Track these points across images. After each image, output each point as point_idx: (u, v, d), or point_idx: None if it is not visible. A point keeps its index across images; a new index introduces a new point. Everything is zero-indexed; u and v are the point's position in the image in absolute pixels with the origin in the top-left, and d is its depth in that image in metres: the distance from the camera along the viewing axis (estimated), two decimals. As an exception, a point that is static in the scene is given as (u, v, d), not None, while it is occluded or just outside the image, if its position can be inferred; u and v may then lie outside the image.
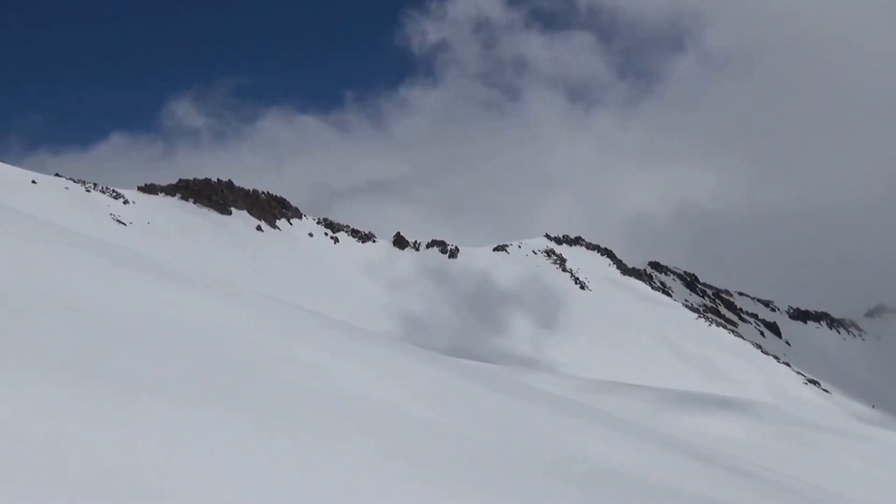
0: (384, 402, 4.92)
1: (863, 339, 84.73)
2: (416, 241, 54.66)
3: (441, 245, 54.51)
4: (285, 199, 52.43)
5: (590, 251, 60.82)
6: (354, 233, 53.42)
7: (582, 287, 51.88)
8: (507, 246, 56.82)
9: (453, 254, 53.71)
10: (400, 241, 54.19)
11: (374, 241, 53.28)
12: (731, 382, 39.83)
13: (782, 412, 17.75)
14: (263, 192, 51.16)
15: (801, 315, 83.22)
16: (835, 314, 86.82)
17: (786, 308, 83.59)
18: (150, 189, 46.26)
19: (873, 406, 50.67)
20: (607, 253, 61.48)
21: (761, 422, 15.27)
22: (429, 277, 49.34)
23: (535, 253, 56.26)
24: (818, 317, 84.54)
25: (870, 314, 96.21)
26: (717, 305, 69.65)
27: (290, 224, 50.68)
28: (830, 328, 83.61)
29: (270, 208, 50.40)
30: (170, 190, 46.85)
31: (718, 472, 7.72)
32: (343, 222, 54.19)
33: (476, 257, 53.66)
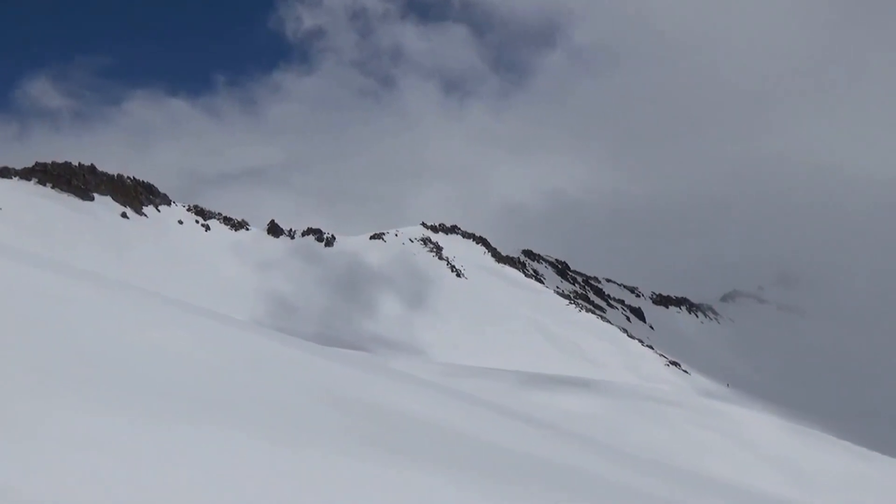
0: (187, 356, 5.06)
1: (718, 323, 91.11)
2: (291, 229, 53.55)
3: (317, 233, 53.68)
4: (153, 185, 49.88)
5: (466, 239, 61.82)
6: (227, 220, 51.64)
7: (458, 275, 52.62)
8: (383, 234, 56.77)
9: (329, 242, 53.04)
10: (274, 229, 52.90)
11: (247, 229, 51.73)
12: (598, 365, 41.55)
13: (636, 390, 18.73)
14: (129, 178, 48.40)
15: (663, 300, 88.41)
16: (694, 299, 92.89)
17: (650, 294, 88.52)
18: (2, 173, 42.86)
19: (728, 385, 54.55)
20: (482, 241, 62.70)
21: (615, 398, 16.01)
22: (300, 260, 48.69)
23: (412, 241, 56.55)
24: (679, 302, 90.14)
25: (725, 299, 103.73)
26: (587, 292, 72.65)
27: (159, 211, 48.31)
28: (690, 312, 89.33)
29: (137, 194, 47.78)
30: (25, 174, 43.48)
31: (554, 436, 7.99)
32: (215, 209, 52.38)
33: (352, 245, 53.37)
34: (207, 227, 49.15)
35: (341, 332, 37.53)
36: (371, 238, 55.75)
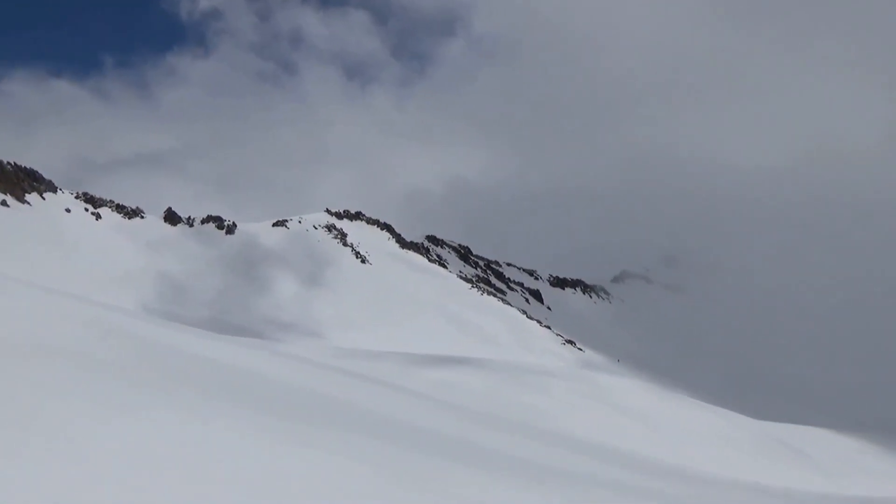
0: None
1: (610, 302, 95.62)
2: (189, 217, 52.09)
3: (217, 220, 52.47)
4: (36, 171, 47.18)
5: (370, 226, 62.10)
6: (119, 208, 49.62)
7: (362, 261, 52.92)
8: (286, 221, 56.18)
9: (230, 229, 52.01)
10: (171, 217, 51.30)
11: (142, 217, 49.93)
12: (498, 345, 43.08)
13: (519, 365, 20.20)
14: (9, 163, 45.59)
15: (559, 282, 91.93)
16: (588, 281, 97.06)
17: (547, 277, 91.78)
18: None
19: (618, 360, 57.58)
20: (387, 227, 63.18)
21: (498, 373, 17.31)
22: (195, 243, 47.61)
23: (316, 228, 56.28)
24: (574, 284, 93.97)
25: (616, 280, 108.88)
26: (489, 276, 74.60)
27: (43, 199, 45.83)
28: (584, 293, 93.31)
29: (18, 181, 45.08)
30: None
31: (434, 406, 8.86)
32: (107, 197, 50.18)
33: (254, 233, 52.53)
34: (98, 216, 47.13)
35: (236, 315, 37.16)
36: (274, 225, 55.09)
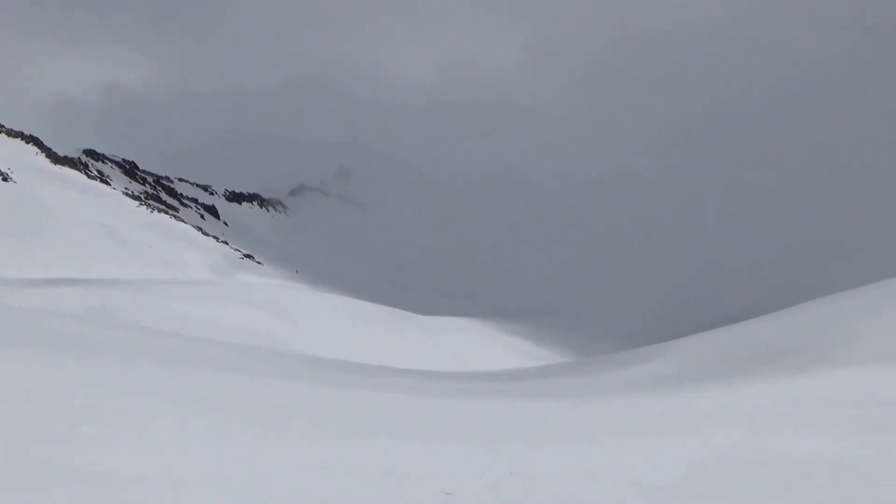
0: None
1: (288, 216, 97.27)
2: None
3: None
4: None
5: (12, 139, 54.49)
6: None
7: (5, 179, 46.80)
8: None
9: None
10: None
11: None
12: (173, 265, 42.14)
13: (165, 280, 21.25)
14: None
15: (236, 197, 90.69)
16: (264, 195, 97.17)
17: (223, 192, 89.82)
18: None
19: (297, 271, 59.84)
20: (34, 140, 56.00)
21: (145, 288, 18.14)
22: None
23: (-61, 141, 47.97)
24: (251, 198, 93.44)
25: (293, 193, 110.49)
26: (159, 192, 70.80)
27: None
28: (262, 207, 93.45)
29: None
30: None
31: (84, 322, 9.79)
32: None
33: None
34: None
35: None
36: None
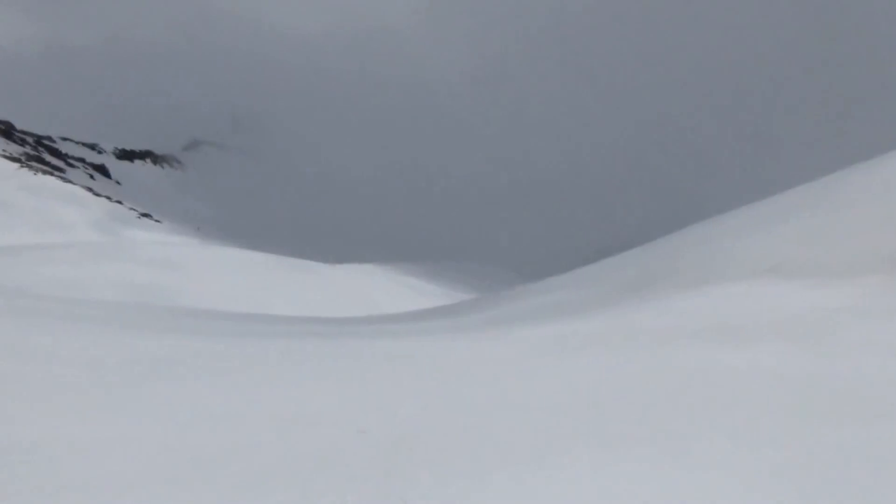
0: None
1: (184, 172, 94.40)
2: None
3: None
4: None
5: None
6: None
7: None
8: None
9: None
10: None
11: None
12: (66, 228, 40.93)
13: (44, 245, 21.15)
14: None
15: (127, 155, 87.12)
16: (158, 151, 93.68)
17: (112, 149, 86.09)
18: None
19: (198, 228, 58.90)
20: None
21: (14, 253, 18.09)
22: None
23: None
24: (143, 155, 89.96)
25: (188, 148, 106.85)
26: (41, 153, 67.30)
27: None
28: (155, 164, 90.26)
29: None
30: None
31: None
32: None
33: None
34: None
35: None
36: None
